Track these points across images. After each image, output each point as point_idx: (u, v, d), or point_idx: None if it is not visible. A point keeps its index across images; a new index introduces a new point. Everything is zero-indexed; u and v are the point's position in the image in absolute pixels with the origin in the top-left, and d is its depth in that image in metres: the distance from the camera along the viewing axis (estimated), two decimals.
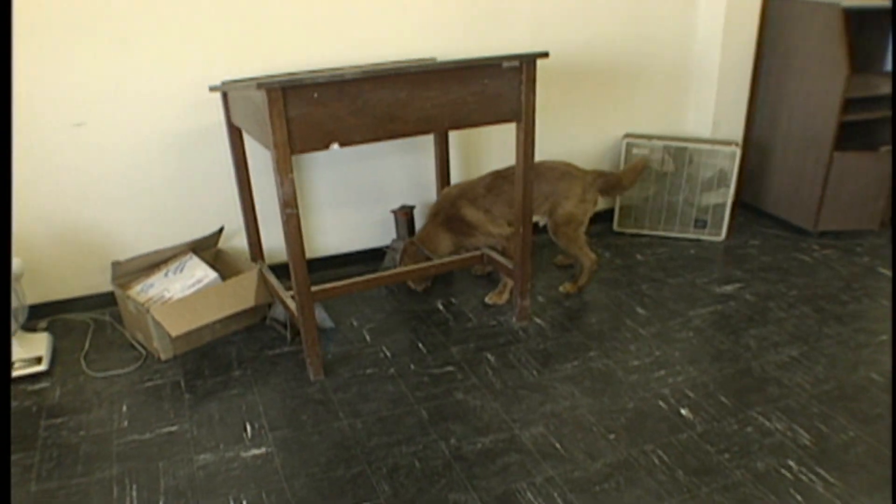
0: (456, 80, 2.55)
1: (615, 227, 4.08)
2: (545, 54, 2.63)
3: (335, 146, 2.47)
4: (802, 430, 2.44)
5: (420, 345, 3.03)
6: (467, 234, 3.26)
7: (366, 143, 2.55)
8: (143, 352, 3.05)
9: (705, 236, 3.93)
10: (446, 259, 3.21)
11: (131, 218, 3.30)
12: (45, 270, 3.26)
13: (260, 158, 3.31)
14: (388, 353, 2.97)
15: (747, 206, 4.29)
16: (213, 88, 3.00)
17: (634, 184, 3.51)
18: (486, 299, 3.33)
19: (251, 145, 3.21)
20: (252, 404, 2.69)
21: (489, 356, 2.92)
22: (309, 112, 2.38)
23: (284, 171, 2.42)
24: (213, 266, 3.17)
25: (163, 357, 2.97)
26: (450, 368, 2.85)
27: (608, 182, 3.36)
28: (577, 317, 3.20)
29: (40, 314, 3.30)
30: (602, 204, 4.09)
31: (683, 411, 2.55)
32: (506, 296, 3.30)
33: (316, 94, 2.37)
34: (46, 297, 3.32)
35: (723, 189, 3.80)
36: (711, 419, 2.51)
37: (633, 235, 4.05)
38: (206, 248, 3.32)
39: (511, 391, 2.70)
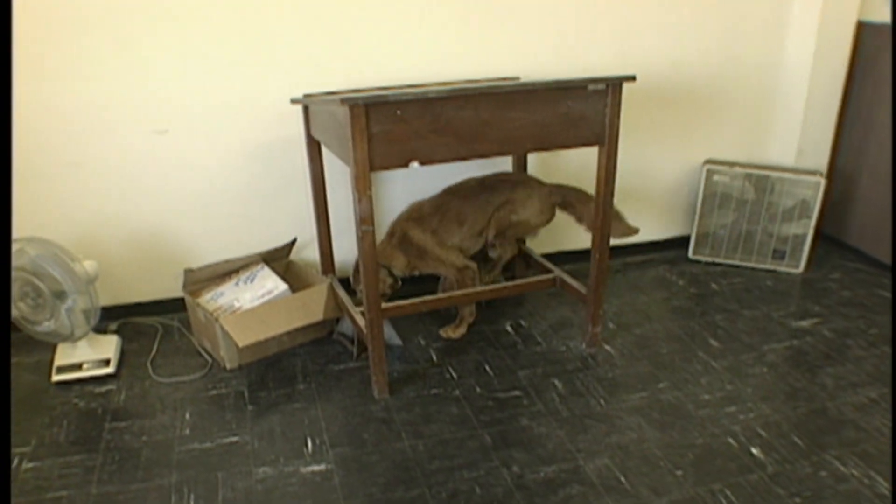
0: (541, 101, 2.58)
1: (690, 254, 4.05)
2: (632, 78, 2.64)
3: (415, 164, 2.50)
4: (880, 477, 2.39)
5: (487, 367, 3.05)
6: (419, 258, 3.19)
7: (446, 163, 2.58)
8: (210, 360, 3.12)
9: (783, 268, 3.89)
10: (519, 281, 3.21)
11: (205, 225, 3.38)
12: (118, 273, 3.36)
13: (337, 172, 3.37)
14: (454, 374, 3.00)
15: (828, 238, 4.22)
16: (294, 101, 3.06)
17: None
18: (441, 332, 3.32)
19: (329, 159, 3.26)
20: (314, 419, 2.73)
21: (556, 382, 2.93)
22: (391, 129, 2.43)
23: (363, 188, 2.46)
24: (283, 277, 3.23)
25: (228, 366, 3.04)
26: (516, 393, 2.87)
27: (566, 199, 3.29)
28: (648, 345, 3.19)
29: (111, 316, 3.38)
30: (678, 230, 4.14)
31: (754, 450, 2.53)
32: (461, 330, 3.30)
33: (399, 112, 2.41)
34: (117, 299, 3.42)
35: (804, 220, 3.76)
36: (783, 460, 2.47)
37: (708, 264, 4.02)
38: (278, 259, 3.39)
39: (577, 420, 2.70)
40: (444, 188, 3.30)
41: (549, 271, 3.35)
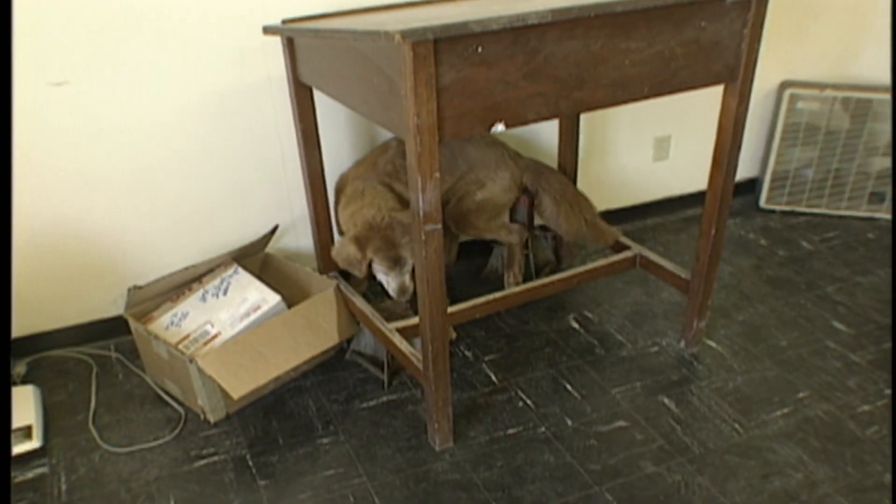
0: (667, 21, 1.94)
1: (762, 202, 3.56)
2: None
3: (500, 127, 1.83)
4: None
5: (567, 385, 2.45)
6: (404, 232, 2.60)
7: (539, 122, 1.93)
8: (180, 409, 2.40)
9: (882, 214, 3.43)
10: (590, 266, 2.64)
11: (143, 214, 2.70)
12: (21, 293, 2.63)
13: (335, 130, 2.76)
14: (529, 401, 2.39)
15: None
16: (269, 30, 2.33)
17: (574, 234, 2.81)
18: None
19: (325, 112, 2.59)
20: (361, 493, 2.08)
21: (666, 401, 2.36)
22: (469, 77, 1.73)
23: (428, 170, 1.78)
24: (260, 279, 2.55)
25: (212, 419, 2.33)
26: (621, 423, 2.28)
27: (537, 184, 2.77)
28: (760, 337, 2.65)
29: (16, 352, 2.66)
30: (744, 171, 3.61)
31: None
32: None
33: (480, 48, 1.71)
34: (23, 328, 2.70)
35: None
36: None
37: (786, 213, 3.53)
38: (251, 255, 2.70)
39: (716, 457, 2.14)
40: None
41: (621, 247, 2.77)
